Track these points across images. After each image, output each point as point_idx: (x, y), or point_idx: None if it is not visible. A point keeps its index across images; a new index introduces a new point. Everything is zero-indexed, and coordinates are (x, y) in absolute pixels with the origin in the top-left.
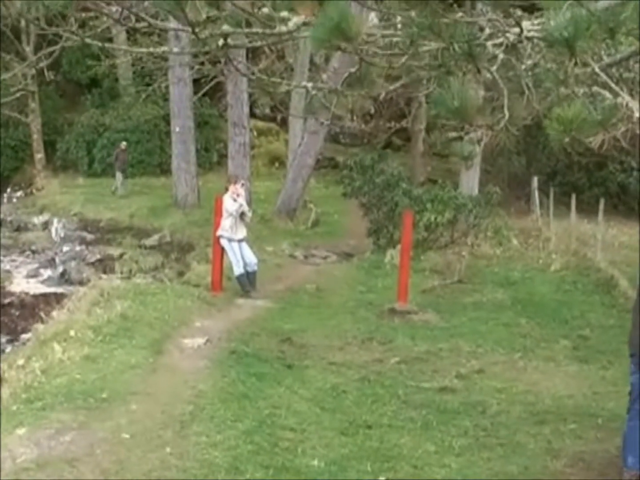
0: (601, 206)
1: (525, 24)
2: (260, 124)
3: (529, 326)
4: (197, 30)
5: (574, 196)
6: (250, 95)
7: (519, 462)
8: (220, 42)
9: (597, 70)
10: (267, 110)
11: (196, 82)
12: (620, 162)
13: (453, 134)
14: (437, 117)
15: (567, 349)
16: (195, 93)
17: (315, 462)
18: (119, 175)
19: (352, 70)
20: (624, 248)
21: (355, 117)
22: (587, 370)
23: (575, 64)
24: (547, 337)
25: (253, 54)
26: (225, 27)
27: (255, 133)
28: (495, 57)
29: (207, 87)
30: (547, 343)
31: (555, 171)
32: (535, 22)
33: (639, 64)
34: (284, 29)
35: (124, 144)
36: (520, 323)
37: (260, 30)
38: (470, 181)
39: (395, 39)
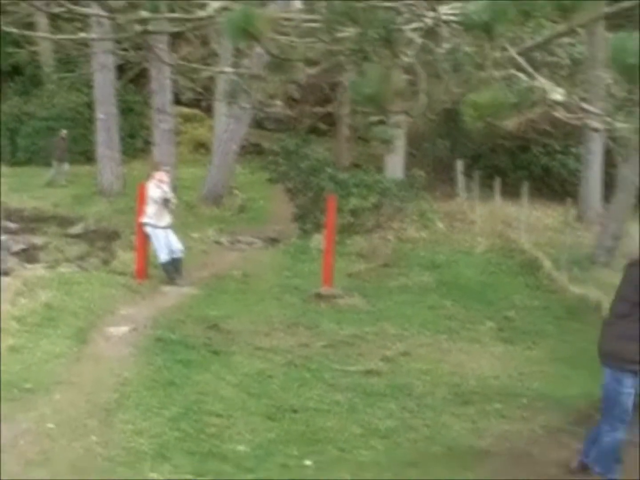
0: (525, 189)
1: (443, 7)
2: (186, 110)
3: (455, 308)
4: (115, 15)
5: (498, 179)
6: (175, 81)
7: (444, 442)
8: (139, 27)
9: (513, 54)
10: (192, 97)
11: (121, 69)
12: (543, 145)
13: (374, 118)
14: (355, 102)
15: (492, 330)
16: (119, 79)
17: (242, 447)
18: (55, 164)
19: (272, 55)
20: (548, 230)
21: (280, 102)
22: (512, 350)
23: (496, 47)
24: (472, 318)
25: (177, 40)
26: (143, 13)
27: (180, 119)
28: (412, 41)
29: (131, 74)
30: (473, 325)
31: (480, 154)
32: (454, 5)
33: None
34: (203, 14)
35: (64, 132)
36: (446, 305)
37: (179, 16)
38: (395, 165)
39: (315, 24)
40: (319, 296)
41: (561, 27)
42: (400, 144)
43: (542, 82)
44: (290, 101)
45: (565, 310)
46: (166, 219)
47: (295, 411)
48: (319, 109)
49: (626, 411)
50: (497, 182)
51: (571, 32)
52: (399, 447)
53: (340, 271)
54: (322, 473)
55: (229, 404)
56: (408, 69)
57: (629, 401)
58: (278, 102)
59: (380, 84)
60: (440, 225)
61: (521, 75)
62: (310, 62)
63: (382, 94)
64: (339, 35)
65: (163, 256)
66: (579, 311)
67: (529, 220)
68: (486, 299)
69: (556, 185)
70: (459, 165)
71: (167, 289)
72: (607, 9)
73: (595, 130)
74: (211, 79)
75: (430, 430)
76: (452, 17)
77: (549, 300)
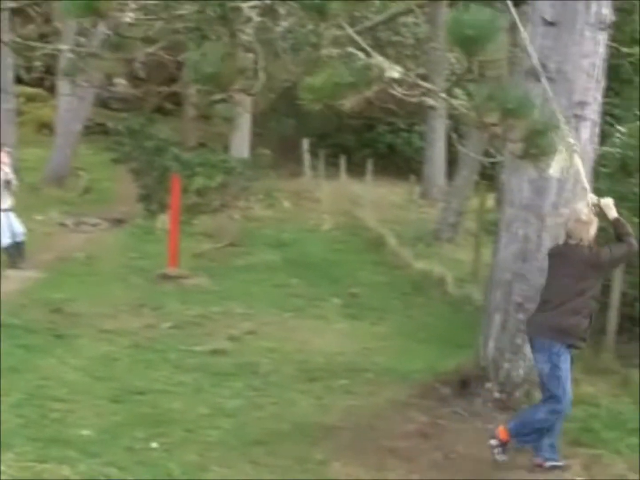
0: (369, 167)
1: None
2: (28, 89)
3: (301, 286)
4: None
5: (343, 157)
6: (18, 59)
7: (290, 419)
8: None
9: (351, 33)
10: (35, 76)
11: None
12: (388, 123)
13: (217, 97)
14: (195, 82)
15: (338, 307)
16: None
17: (86, 432)
18: None
19: (110, 33)
20: (393, 207)
21: (124, 81)
22: (358, 326)
23: (333, 26)
24: (318, 296)
25: (18, 17)
26: None
27: (23, 99)
28: (251, 19)
29: None
30: (318, 302)
31: (326, 133)
32: None
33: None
34: None
35: None
36: (292, 283)
37: None
38: (240, 144)
39: (154, 1)
40: (164, 277)
41: (399, 7)
42: (245, 122)
43: (379, 60)
44: (136, 80)
45: (410, 285)
46: (7, 202)
47: (141, 393)
48: (164, 88)
49: (564, 389)
50: (343, 161)
51: (409, 11)
52: (246, 425)
53: (186, 251)
54: (168, 455)
55: (73, 388)
56: (248, 48)
57: (567, 380)
58: (122, 81)
59: (221, 63)
60: (286, 203)
61: (359, 53)
62: (150, 41)
63: (223, 73)
64: (178, 12)
65: (5, 240)
66: (423, 286)
67: (374, 198)
68: (332, 276)
69: (401, 163)
70: (305, 143)
71: (9, 273)
72: None
73: (432, 107)
74: (54, 57)
75: (277, 408)
76: None
77: (394, 276)
